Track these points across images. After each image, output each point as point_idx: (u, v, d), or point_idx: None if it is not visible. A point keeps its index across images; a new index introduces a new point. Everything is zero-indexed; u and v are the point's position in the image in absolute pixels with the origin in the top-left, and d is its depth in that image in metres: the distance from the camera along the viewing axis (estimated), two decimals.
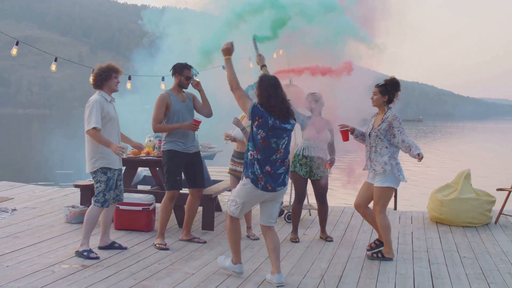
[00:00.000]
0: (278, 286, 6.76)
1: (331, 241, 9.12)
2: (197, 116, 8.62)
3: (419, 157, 7.67)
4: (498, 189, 10.91)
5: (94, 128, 7.54)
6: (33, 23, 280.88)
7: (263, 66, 7.54)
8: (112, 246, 8.17)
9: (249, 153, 6.70)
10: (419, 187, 20.30)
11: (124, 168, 10.06)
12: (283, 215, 10.54)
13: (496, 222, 10.50)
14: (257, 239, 9.08)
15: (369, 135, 8.01)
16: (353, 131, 8.15)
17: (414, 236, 9.55)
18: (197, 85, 8.49)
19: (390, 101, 8.04)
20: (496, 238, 9.49)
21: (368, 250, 8.34)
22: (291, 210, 9.59)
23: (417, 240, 9.29)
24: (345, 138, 8.14)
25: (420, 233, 9.76)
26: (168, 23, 10.90)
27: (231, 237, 7.03)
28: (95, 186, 7.87)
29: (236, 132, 8.86)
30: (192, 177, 8.68)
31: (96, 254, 7.74)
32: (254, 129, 6.65)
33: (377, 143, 7.96)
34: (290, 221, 9.87)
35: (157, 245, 8.35)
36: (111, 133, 7.79)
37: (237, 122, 8.54)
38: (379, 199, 7.98)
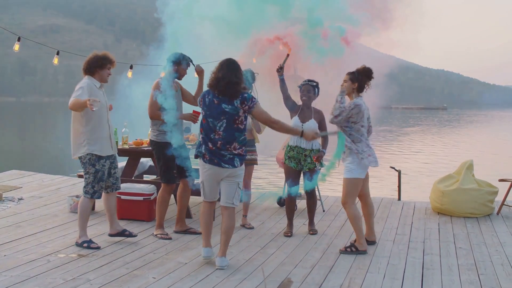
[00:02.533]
0: (217, 268, 7.06)
1: (314, 234, 9.05)
2: (198, 108, 8.67)
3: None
4: (500, 180, 10.88)
5: (74, 98, 7.47)
6: (58, 11, 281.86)
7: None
8: (123, 233, 8.25)
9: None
10: (429, 176, 20.23)
11: (127, 158, 10.23)
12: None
13: (498, 212, 10.48)
14: (252, 228, 9.19)
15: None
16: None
17: (413, 227, 9.58)
18: (201, 73, 8.59)
19: (360, 88, 8.01)
20: (496, 229, 9.49)
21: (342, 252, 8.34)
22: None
23: (416, 231, 9.32)
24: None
25: (420, 224, 9.79)
26: (184, 11, 10.83)
27: (201, 220, 7.40)
28: (84, 176, 7.91)
29: None
30: (183, 168, 8.69)
31: (96, 244, 7.85)
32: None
33: None
34: None
35: (159, 235, 8.46)
36: (100, 119, 7.76)
37: None
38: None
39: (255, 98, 7.06)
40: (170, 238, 8.42)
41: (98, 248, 7.77)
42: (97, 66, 7.84)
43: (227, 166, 6.97)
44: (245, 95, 6.97)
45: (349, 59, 9.02)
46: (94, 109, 7.21)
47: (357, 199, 8.26)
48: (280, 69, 8.77)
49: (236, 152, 6.97)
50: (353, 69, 8.09)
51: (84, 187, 7.90)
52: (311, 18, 8.22)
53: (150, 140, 8.63)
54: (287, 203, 9.12)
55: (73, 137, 7.84)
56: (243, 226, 9.25)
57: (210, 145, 6.97)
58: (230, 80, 6.89)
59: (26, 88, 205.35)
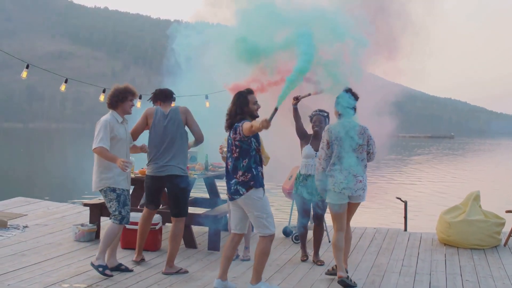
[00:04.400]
0: None
1: (321, 265, 9.02)
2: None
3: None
4: (507, 211, 10.81)
5: (100, 146, 7.62)
6: (67, 37, 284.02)
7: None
8: (118, 268, 8.19)
9: None
10: (433, 205, 20.08)
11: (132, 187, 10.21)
12: (290, 236, 10.56)
13: (505, 244, 10.41)
14: (248, 259, 9.15)
15: None
16: None
17: (419, 258, 9.52)
18: None
19: None
20: (503, 261, 9.41)
21: (327, 274, 8.33)
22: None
23: (422, 262, 9.26)
24: None
25: (426, 255, 9.72)
26: (199, 42, 10.80)
27: (223, 251, 7.51)
28: (108, 205, 7.92)
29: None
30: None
31: (110, 272, 7.85)
32: None
33: None
34: (298, 241, 9.95)
35: (181, 271, 8.30)
36: (119, 154, 7.79)
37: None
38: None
39: (238, 123, 7.15)
40: (187, 271, 8.35)
41: (111, 276, 7.77)
42: (119, 100, 7.98)
43: (236, 197, 7.09)
44: (236, 124, 7.15)
45: (354, 86, 8.98)
46: (126, 170, 7.47)
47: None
48: (297, 99, 8.78)
49: (240, 179, 7.04)
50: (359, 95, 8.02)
51: (112, 214, 7.90)
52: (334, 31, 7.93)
53: (177, 175, 8.25)
54: (300, 232, 9.21)
55: (95, 172, 7.94)
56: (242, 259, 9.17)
57: (225, 178, 7.27)
58: (228, 113, 7.26)
59: (34, 114, 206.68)
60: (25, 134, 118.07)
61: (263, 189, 7.12)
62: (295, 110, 8.88)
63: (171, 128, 8.24)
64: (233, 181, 7.08)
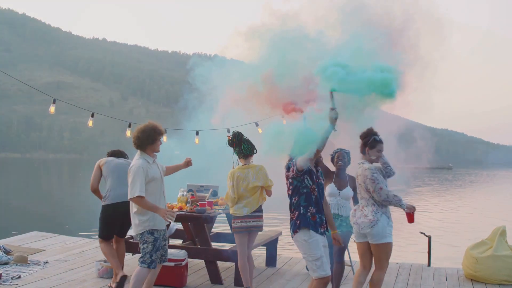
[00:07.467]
0: None
1: None
2: None
3: None
4: None
5: (138, 196, 7.35)
6: (65, 69, 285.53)
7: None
8: None
9: None
10: (453, 241, 19.95)
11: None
12: None
13: None
14: None
15: None
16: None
17: None
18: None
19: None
20: None
21: None
22: None
23: None
24: (410, 220, 7.90)
25: None
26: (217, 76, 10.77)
27: None
28: (141, 247, 7.63)
29: None
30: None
31: None
32: None
33: None
34: None
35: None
36: (153, 193, 7.57)
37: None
38: None
39: (291, 160, 6.90)
40: None
41: None
42: (149, 143, 7.67)
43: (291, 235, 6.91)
44: (289, 162, 6.90)
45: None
46: (171, 220, 7.28)
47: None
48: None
49: (291, 217, 6.88)
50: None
51: (142, 257, 7.59)
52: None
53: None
54: (336, 271, 8.84)
55: (134, 216, 7.62)
56: None
57: None
58: None
59: (31, 144, 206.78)
60: (23, 164, 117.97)
61: (313, 231, 6.75)
62: None
63: None
64: (292, 221, 6.89)
